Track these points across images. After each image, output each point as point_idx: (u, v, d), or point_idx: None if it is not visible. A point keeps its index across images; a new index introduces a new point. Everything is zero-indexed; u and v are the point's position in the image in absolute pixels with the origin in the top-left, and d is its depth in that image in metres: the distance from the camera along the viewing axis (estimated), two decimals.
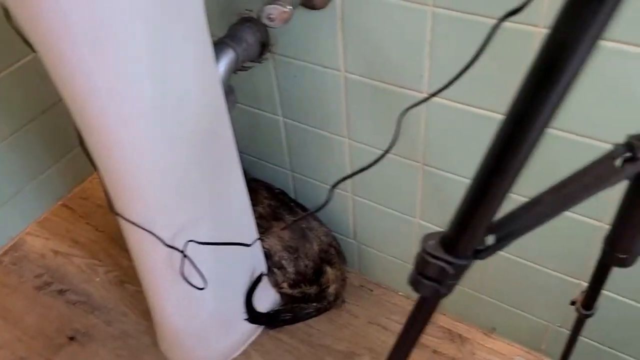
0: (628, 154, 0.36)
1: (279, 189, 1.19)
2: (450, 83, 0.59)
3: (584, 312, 0.76)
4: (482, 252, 0.42)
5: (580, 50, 0.29)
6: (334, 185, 0.59)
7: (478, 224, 0.40)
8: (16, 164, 1.34)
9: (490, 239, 0.42)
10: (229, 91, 0.96)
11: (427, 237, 0.43)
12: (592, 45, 0.29)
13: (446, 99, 0.83)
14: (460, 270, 0.42)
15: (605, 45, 0.66)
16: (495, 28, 0.48)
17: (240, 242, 0.99)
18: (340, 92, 0.94)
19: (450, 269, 0.41)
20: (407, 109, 0.51)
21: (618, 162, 0.36)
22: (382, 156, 0.55)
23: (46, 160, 1.42)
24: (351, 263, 1.25)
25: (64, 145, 1.44)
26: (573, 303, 0.79)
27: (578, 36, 0.28)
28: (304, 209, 1.18)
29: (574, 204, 0.39)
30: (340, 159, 1.04)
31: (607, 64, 0.67)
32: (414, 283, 0.44)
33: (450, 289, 0.44)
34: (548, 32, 0.30)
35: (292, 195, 1.21)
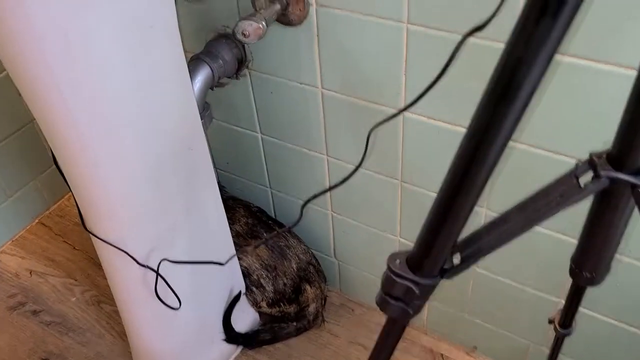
0: (590, 172, 0.36)
1: (257, 207, 1.18)
2: (419, 98, 0.58)
3: (562, 330, 0.75)
4: (448, 272, 0.41)
5: (536, 66, 0.28)
6: (306, 203, 0.58)
7: (443, 243, 0.39)
8: None
9: (456, 258, 0.41)
10: (205, 107, 0.95)
11: (393, 256, 0.42)
12: (548, 60, 0.28)
13: (422, 116, 0.83)
14: (426, 290, 0.41)
15: (564, 60, 0.66)
16: (460, 44, 0.47)
17: (216, 260, 0.97)
18: (318, 108, 0.93)
19: (416, 289, 0.40)
20: (377, 125, 0.51)
21: (581, 179, 0.36)
22: (353, 173, 0.54)
23: (23, 178, 1.39)
24: (332, 282, 1.24)
25: (41, 162, 1.42)
26: (551, 322, 0.78)
27: (534, 52, 0.28)
28: (282, 226, 1.17)
29: (539, 222, 0.38)
30: (319, 176, 1.03)
31: (570, 79, 0.67)
32: (381, 303, 0.43)
33: (417, 309, 0.43)
34: (504, 48, 0.29)
35: (272, 213, 1.19)
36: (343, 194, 1.03)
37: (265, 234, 1.13)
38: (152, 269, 0.87)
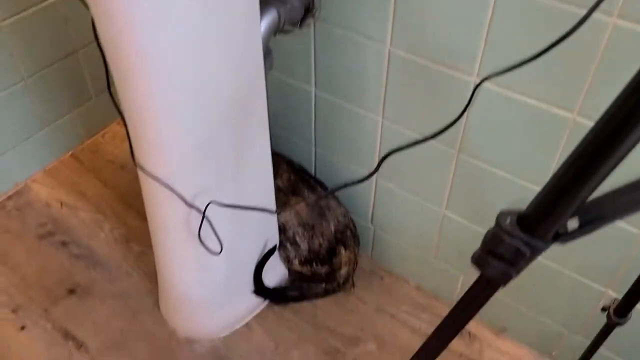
0: None
1: (299, 164, 1.16)
2: (511, 69, 0.56)
3: (616, 319, 0.73)
4: (564, 237, 0.38)
5: None
6: (387, 155, 0.56)
7: (566, 205, 0.37)
8: (30, 107, 1.30)
9: (573, 223, 0.39)
10: (267, 53, 0.92)
11: (504, 213, 0.40)
12: None
13: (496, 85, 0.79)
14: (535, 253, 0.39)
15: None
16: (585, 18, 0.44)
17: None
18: (382, 67, 0.90)
19: (526, 250, 0.38)
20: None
21: None
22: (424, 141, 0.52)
23: (60, 109, 1.37)
24: (364, 248, 1.22)
25: (79, 95, 1.40)
26: (605, 309, 0.76)
27: None
28: (323, 186, 1.15)
29: None
30: (370, 138, 1.01)
31: None
32: (480, 262, 0.41)
33: (519, 272, 0.41)
34: None
35: (312, 172, 1.17)
36: (392, 160, 1.00)
37: (306, 192, 1.11)
38: (199, 210, 0.85)
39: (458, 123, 0.87)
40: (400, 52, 0.86)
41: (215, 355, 1.08)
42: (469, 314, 0.47)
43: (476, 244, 1.03)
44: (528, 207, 0.39)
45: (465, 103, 0.83)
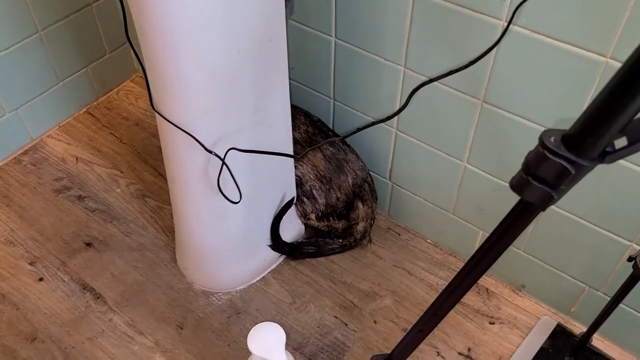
0: None
1: (317, 117, 1.14)
2: None
3: None
4: (611, 155, 0.37)
5: None
6: (418, 88, 0.54)
7: (614, 122, 0.35)
8: (44, 61, 1.29)
9: (621, 141, 0.37)
10: None
11: (548, 132, 0.38)
12: None
13: (525, 28, 0.77)
14: (581, 173, 0.37)
15: None
16: None
17: (277, 160, 0.94)
18: (406, 11, 0.87)
19: (572, 169, 0.37)
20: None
21: None
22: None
23: (75, 64, 1.36)
24: (381, 204, 1.21)
25: (95, 50, 1.38)
26: (631, 259, 0.75)
27: None
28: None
29: None
30: (392, 89, 0.98)
31: None
32: (520, 185, 0.40)
33: (560, 196, 0.39)
34: None
35: (331, 125, 1.16)
36: (413, 109, 0.99)
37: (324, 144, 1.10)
38: (219, 157, 0.84)
39: (483, 69, 0.85)
40: None
41: (231, 308, 1.08)
42: (504, 244, 0.45)
43: (497, 198, 1.02)
44: (573, 126, 0.37)
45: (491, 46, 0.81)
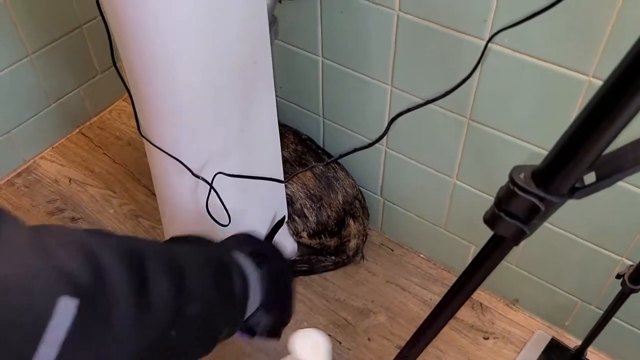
0: None
1: (306, 135, 1.15)
2: (524, 21, 0.54)
3: (631, 285, 0.72)
4: (579, 191, 0.37)
5: None
6: (395, 117, 0.54)
7: (582, 158, 0.35)
8: (36, 84, 1.29)
9: (590, 177, 0.37)
10: (273, 21, 0.90)
11: (517, 169, 0.38)
12: None
13: (507, 48, 0.77)
14: (551, 209, 0.38)
15: None
16: None
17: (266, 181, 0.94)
18: (391, 33, 0.88)
19: (541, 206, 0.37)
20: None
21: None
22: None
23: (66, 85, 1.37)
24: (374, 220, 1.21)
25: (86, 71, 1.39)
26: (619, 276, 0.75)
27: None
28: (331, 157, 1.13)
29: None
30: (379, 107, 0.99)
31: None
32: (493, 220, 0.40)
33: (533, 230, 0.39)
34: None
35: (321, 143, 1.16)
36: (402, 128, 0.99)
37: (313, 163, 1.10)
38: (206, 181, 0.84)
39: (469, 89, 0.85)
40: (409, 16, 0.84)
41: None
42: (481, 276, 0.45)
43: None
44: (543, 162, 0.37)
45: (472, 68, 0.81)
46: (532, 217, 0.38)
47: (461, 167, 0.96)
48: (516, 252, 1.01)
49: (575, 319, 1.01)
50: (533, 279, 1.02)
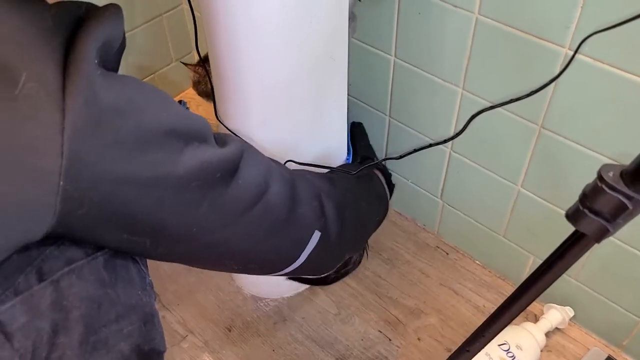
0: None
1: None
2: (613, 27, 0.54)
3: None
4: None
5: None
6: (477, 114, 0.55)
7: None
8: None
9: None
10: (352, 17, 0.92)
11: (606, 167, 0.39)
12: None
13: (589, 57, 0.76)
14: (638, 209, 0.38)
15: None
16: None
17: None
18: (467, 36, 0.88)
19: (629, 205, 0.37)
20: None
21: None
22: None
23: (145, 70, 1.43)
24: (430, 223, 1.22)
25: (162, 58, 1.45)
26: None
27: None
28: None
29: None
30: (448, 109, 0.99)
31: None
32: (576, 216, 0.41)
33: (616, 229, 0.40)
34: None
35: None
36: (467, 131, 0.99)
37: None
38: None
39: (543, 96, 0.85)
40: (488, 19, 0.84)
41: (278, 315, 1.11)
42: (556, 273, 0.46)
43: (550, 224, 1.01)
44: (633, 161, 0.38)
45: (554, 75, 0.81)
46: (617, 215, 0.38)
47: (527, 175, 0.96)
48: (577, 266, 0.99)
49: (635, 338, 0.99)
50: (592, 293, 1.00)
